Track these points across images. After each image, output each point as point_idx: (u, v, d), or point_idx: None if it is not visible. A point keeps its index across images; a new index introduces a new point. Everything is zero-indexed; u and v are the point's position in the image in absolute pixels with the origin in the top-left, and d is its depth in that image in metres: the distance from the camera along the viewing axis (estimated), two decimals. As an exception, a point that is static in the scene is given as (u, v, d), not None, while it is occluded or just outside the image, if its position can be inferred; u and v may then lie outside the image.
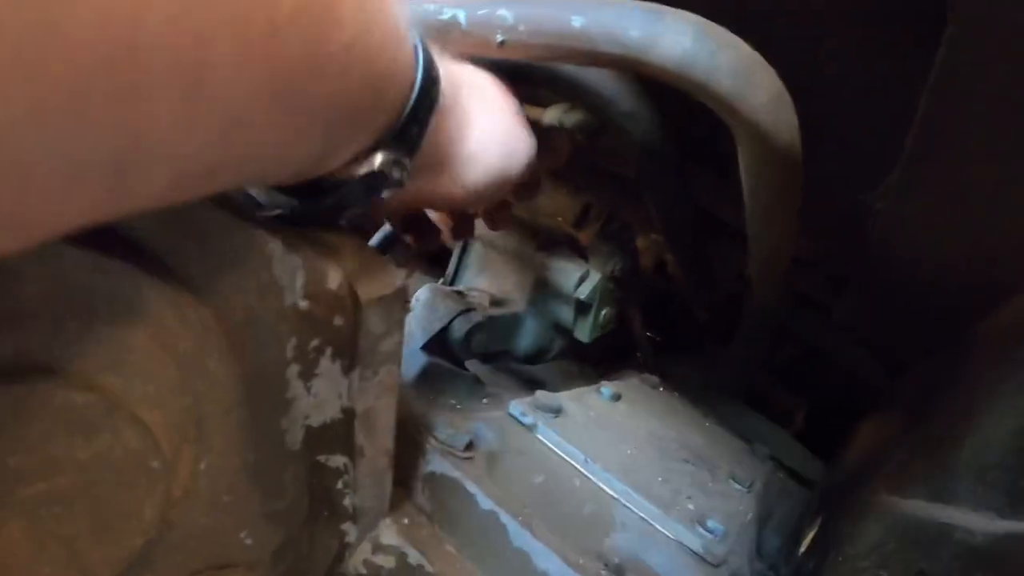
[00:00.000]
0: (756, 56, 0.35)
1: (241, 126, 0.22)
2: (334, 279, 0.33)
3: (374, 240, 0.84)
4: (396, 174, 0.32)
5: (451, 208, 0.46)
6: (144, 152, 0.19)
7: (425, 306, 0.67)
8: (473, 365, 0.74)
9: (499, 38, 0.41)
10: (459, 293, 0.72)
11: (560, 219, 0.82)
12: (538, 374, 0.88)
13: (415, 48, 0.30)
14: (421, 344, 0.64)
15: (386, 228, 0.81)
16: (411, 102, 0.31)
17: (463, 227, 0.54)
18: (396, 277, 0.34)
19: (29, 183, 0.16)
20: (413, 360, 0.63)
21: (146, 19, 0.16)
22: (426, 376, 0.63)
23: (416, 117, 0.31)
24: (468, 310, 0.67)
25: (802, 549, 0.71)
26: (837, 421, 0.90)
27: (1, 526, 0.25)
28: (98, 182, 0.18)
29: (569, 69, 0.47)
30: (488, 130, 0.40)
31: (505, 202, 0.55)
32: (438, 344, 0.66)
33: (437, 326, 0.65)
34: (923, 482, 0.48)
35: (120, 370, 0.27)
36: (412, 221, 0.53)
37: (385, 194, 0.33)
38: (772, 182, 0.41)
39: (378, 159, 0.31)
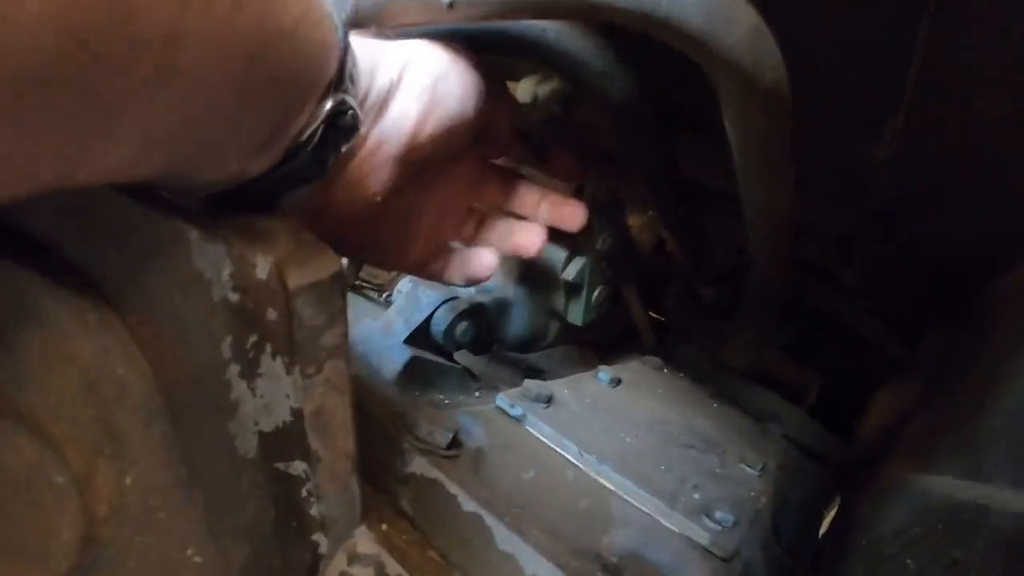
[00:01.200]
0: (726, -14, 0.31)
1: (208, 98, 0.23)
2: (263, 267, 0.29)
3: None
4: (349, 119, 0.33)
5: (423, 149, 0.42)
6: (111, 121, 0.20)
7: (407, 297, 0.64)
8: (463, 357, 0.70)
9: (446, 0, 0.37)
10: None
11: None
12: (536, 362, 0.84)
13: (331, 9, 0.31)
14: (404, 338, 0.61)
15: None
16: (342, 53, 0.32)
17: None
18: (331, 262, 0.31)
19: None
20: (396, 355, 0.60)
21: None
22: (410, 371, 0.59)
23: (344, 67, 0.32)
24: (452, 299, 0.63)
25: (822, 531, 0.68)
26: (854, 395, 0.86)
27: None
28: (63, 145, 0.19)
29: (535, 33, 0.43)
30: (419, 60, 0.40)
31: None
32: (422, 337, 0.62)
33: (419, 317, 0.62)
34: (951, 458, 0.44)
35: (13, 379, 0.24)
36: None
37: (345, 148, 0.34)
38: (759, 129, 0.37)
39: (327, 105, 0.32)
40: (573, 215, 0.53)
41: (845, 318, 0.81)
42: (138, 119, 0.20)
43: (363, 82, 0.36)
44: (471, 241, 0.53)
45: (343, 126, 0.33)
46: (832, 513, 0.72)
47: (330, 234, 0.34)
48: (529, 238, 0.52)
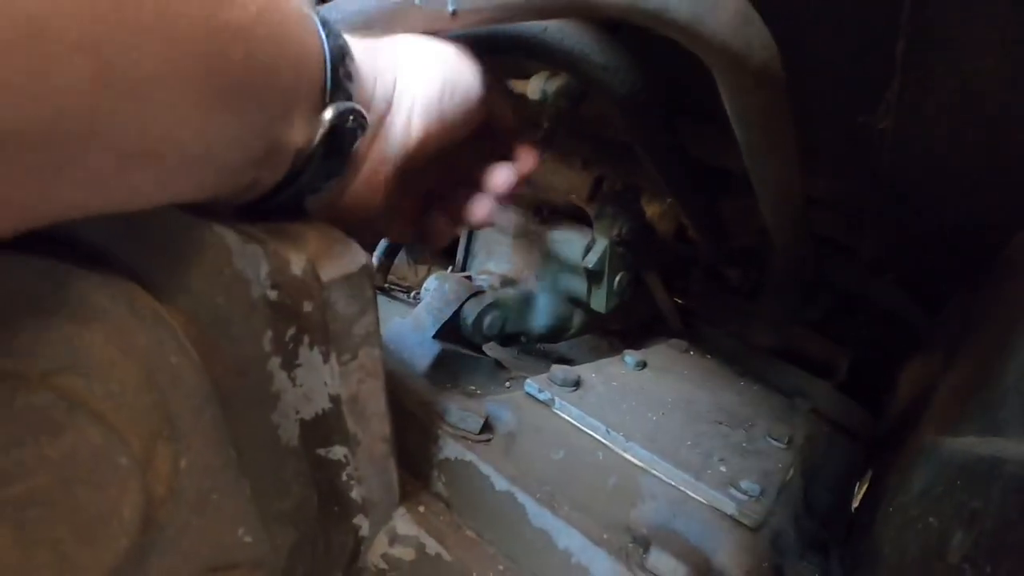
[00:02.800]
0: (710, -26, 0.33)
1: (152, 101, 0.23)
2: (297, 264, 0.32)
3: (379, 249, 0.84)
4: (352, 122, 0.33)
5: (429, 149, 0.44)
6: (62, 127, 0.20)
7: (435, 294, 0.66)
8: (492, 349, 0.72)
9: (450, 7, 0.40)
10: (468, 278, 0.70)
11: (574, 196, 0.80)
12: (564, 352, 0.86)
13: (307, 11, 0.32)
14: (433, 333, 0.63)
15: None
16: (327, 55, 0.32)
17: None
18: (359, 256, 0.33)
19: None
20: (426, 350, 0.62)
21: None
22: (441, 364, 0.61)
23: (339, 68, 0.33)
24: (478, 293, 0.66)
25: (855, 504, 0.68)
26: (884, 369, 0.86)
27: (-11, 530, 0.25)
28: (22, 158, 0.20)
29: (536, 32, 0.45)
30: (417, 59, 0.40)
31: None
32: (451, 331, 0.64)
33: (447, 312, 0.64)
34: (971, 418, 0.45)
35: (78, 369, 0.27)
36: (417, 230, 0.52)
37: (353, 148, 0.35)
38: (756, 108, 0.39)
39: (328, 114, 0.32)
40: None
41: (869, 291, 0.81)
42: (94, 123, 0.21)
43: (366, 83, 0.36)
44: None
45: (348, 132, 0.34)
46: (865, 486, 0.73)
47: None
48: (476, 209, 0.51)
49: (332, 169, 0.35)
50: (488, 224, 0.51)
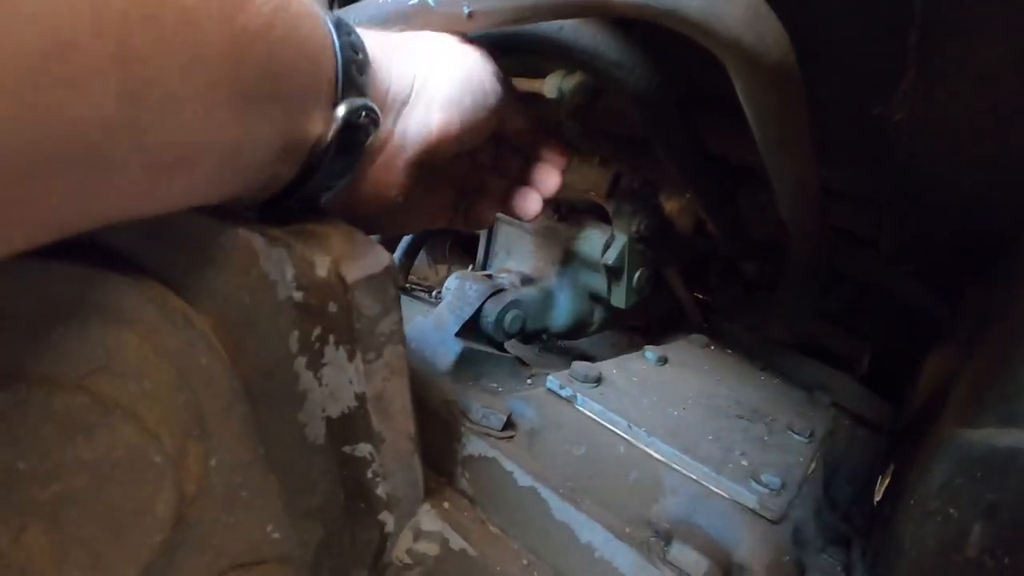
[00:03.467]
0: (723, -28, 0.33)
1: (183, 110, 0.23)
2: (322, 266, 0.33)
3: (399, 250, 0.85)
4: (364, 117, 0.34)
5: (448, 146, 0.44)
6: (99, 142, 0.20)
7: (455, 293, 0.67)
8: (514, 347, 0.73)
9: (466, 10, 0.40)
10: (488, 277, 0.71)
11: (593, 193, 0.81)
12: (586, 348, 0.87)
13: (316, 9, 0.32)
14: (455, 331, 0.64)
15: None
16: (337, 50, 0.33)
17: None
18: (382, 257, 0.34)
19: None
20: (449, 348, 0.63)
21: (71, 20, 0.18)
22: (463, 363, 0.62)
23: (350, 62, 0.33)
24: (498, 291, 0.66)
25: (877, 497, 0.68)
26: (905, 361, 0.85)
27: (23, 532, 0.26)
28: (63, 176, 0.20)
29: (551, 32, 0.46)
30: (435, 56, 0.41)
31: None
32: (473, 329, 0.65)
33: (468, 311, 0.64)
34: (990, 409, 0.44)
35: (112, 371, 0.28)
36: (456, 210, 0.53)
37: (367, 143, 0.35)
38: (771, 103, 0.39)
39: (341, 110, 0.33)
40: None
41: (888, 284, 0.81)
42: (120, 138, 0.22)
43: (381, 77, 0.37)
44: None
45: (361, 128, 0.35)
46: (887, 479, 0.73)
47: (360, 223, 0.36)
48: (529, 204, 0.54)
49: (346, 164, 0.36)
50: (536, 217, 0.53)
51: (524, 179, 0.54)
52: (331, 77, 0.33)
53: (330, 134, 0.33)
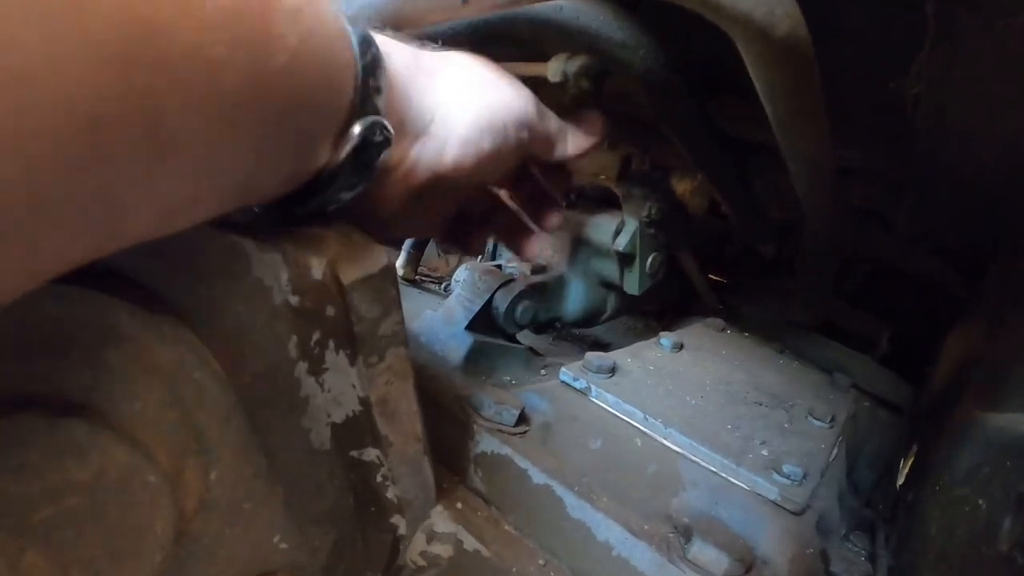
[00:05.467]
0: (731, -58, 0.31)
1: (205, 158, 0.23)
2: (317, 269, 0.31)
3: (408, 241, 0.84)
4: (379, 136, 0.33)
5: (455, 184, 0.43)
6: (122, 199, 0.20)
7: (465, 285, 0.65)
8: (526, 337, 0.72)
9: (461, -4, 0.38)
10: (498, 267, 0.70)
11: (603, 176, 0.79)
12: (600, 335, 0.85)
13: (339, 21, 0.30)
14: (465, 324, 0.63)
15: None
16: (359, 71, 0.31)
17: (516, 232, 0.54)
18: (380, 257, 0.33)
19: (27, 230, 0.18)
20: (459, 342, 0.62)
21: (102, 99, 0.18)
22: (475, 356, 0.61)
23: (369, 82, 0.32)
24: (509, 281, 0.65)
25: (900, 481, 0.66)
26: (926, 340, 0.83)
27: (21, 554, 0.26)
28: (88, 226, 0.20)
29: (551, 13, 0.44)
30: (462, 90, 0.39)
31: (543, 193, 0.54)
32: (484, 322, 0.64)
33: (479, 303, 0.63)
34: (1017, 393, 0.43)
35: (100, 391, 0.27)
36: (452, 230, 0.52)
37: (379, 161, 0.34)
38: (784, 80, 0.37)
39: (356, 129, 0.32)
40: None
41: (907, 262, 0.79)
42: (141, 194, 0.22)
43: (398, 102, 0.36)
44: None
45: (374, 146, 0.33)
46: (910, 462, 0.71)
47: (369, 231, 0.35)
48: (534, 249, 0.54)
49: (356, 181, 0.34)
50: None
51: (529, 213, 0.54)
52: (351, 99, 0.31)
53: (343, 154, 0.32)
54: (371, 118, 0.32)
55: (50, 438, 0.25)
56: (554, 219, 0.53)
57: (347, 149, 0.32)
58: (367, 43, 0.32)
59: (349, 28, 0.30)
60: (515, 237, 0.54)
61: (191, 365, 0.29)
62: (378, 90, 0.32)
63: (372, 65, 0.32)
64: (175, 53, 0.20)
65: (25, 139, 0.16)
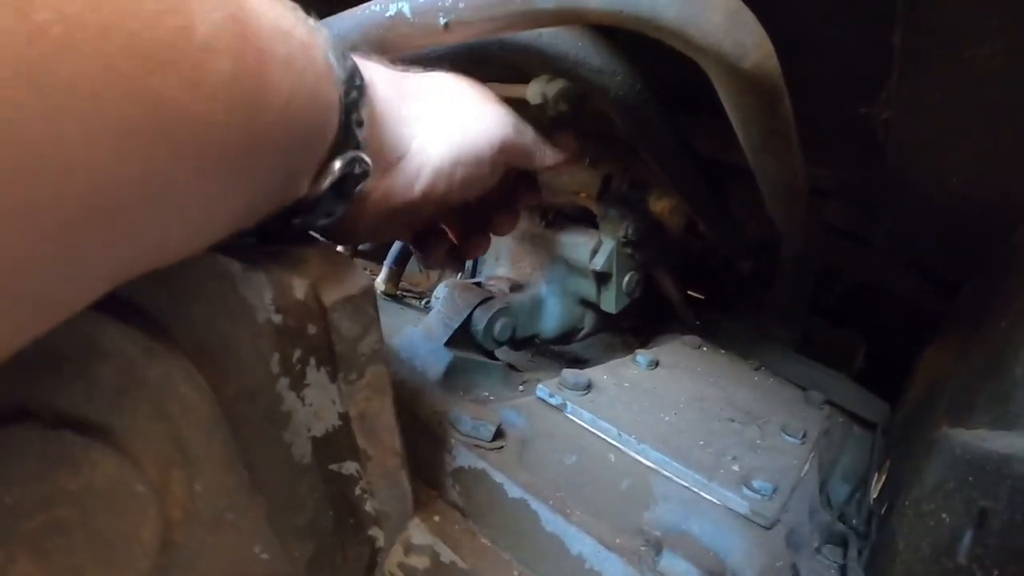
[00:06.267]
0: (700, -25, 0.33)
1: (199, 208, 0.24)
2: (300, 289, 0.32)
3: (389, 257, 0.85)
4: (358, 169, 0.34)
5: (425, 209, 0.45)
6: (117, 252, 0.22)
7: (444, 302, 0.66)
8: (505, 354, 0.73)
9: (443, 21, 0.40)
10: (478, 284, 0.71)
11: (583, 195, 0.80)
12: (578, 352, 0.87)
13: (328, 58, 0.31)
14: (444, 340, 0.64)
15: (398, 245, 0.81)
16: (343, 107, 0.32)
17: (470, 236, 0.55)
18: (360, 278, 0.34)
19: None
20: (439, 358, 0.63)
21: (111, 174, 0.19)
22: (454, 372, 0.62)
23: (352, 116, 0.33)
24: (487, 299, 0.66)
25: (873, 495, 0.68)
26: (901, 357, 0.85)
27: (11, 562, 0.26)
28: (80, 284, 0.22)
29: (529, 39, 0.46)
30: (440, 117, 0.40)
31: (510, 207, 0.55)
32: (463, 338, 0.65)
33: (458, 320, 0.64)
34: (983, 410, 0.44)
35: (92, 405, 0.28)
36: (421, 236, 0.53)
37: (356, 190, 0.35)
38: (754, 108, 0.38)
39: (337, 165, 0.33)
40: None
41: (883, 279, 0.80)
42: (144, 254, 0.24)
43: (377, 132, 0.37)
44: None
45: (353, 178, 0.34)
46: (883, 477, 0.73)
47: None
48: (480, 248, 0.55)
49: (334, 209, 0.35)
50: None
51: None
52: (335, 134, 0.32)
53: (323, 186, 0.33)
54: (351, 153, 0.33)
55: (43, 448, 0.26)
56: (507, 225, 0.54)
57: (327, 182, 0.33)
58: (352, 76, 0.33)
59: (335, 61, 0.31)
60: (467, 239, 0.55)
61: (178, 380, 0.30)
62: (360, 123, 0.34)
63: (356, 99, 0.33)
64: (179, 123, 0.20)
65: (30, 207, 0.17)
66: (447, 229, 0.54)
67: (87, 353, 0.28)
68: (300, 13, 0.28)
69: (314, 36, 0.29)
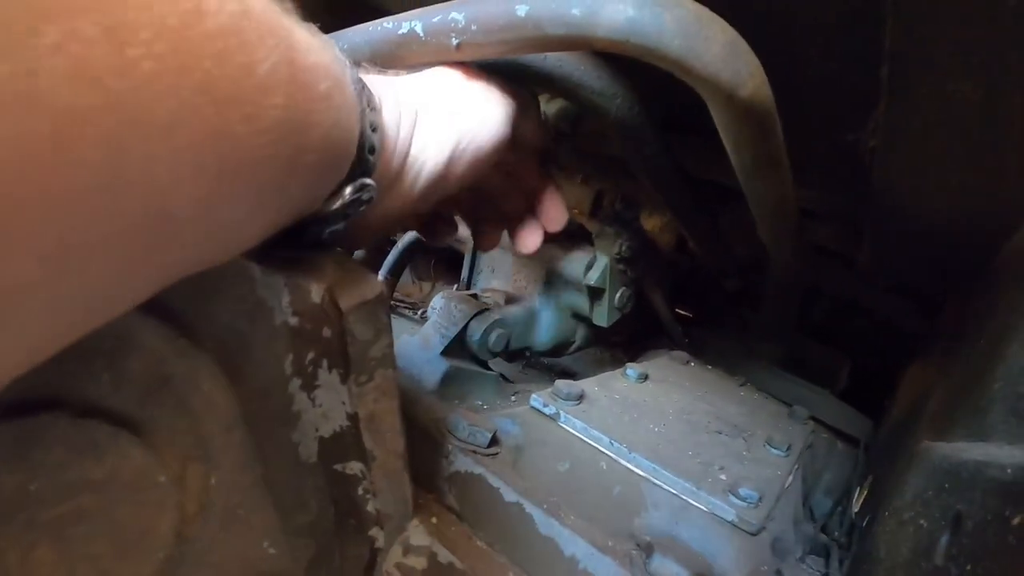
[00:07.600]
0: (702, 10, 0.35)
1: (235, 229, 0.26)
2: (317, 293, 0.34)
3: (393, 253, 0.86)
4: (366, 195, 0.36)
5: (426, 205, 0.46)
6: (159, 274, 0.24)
7: (441, 312, 0.68)
8: (498, 364, 0.74)
9: (455, 41, 0.41)
10: (473, 296, 0.72)
11: (576, 211, 0.82)
12: (568, 365, 0.88)
13: (351, 89, 0.32)
14: (440, 350, 0.65)
15: (407, 238, 0.83)
16: (358, 138, 0.34)
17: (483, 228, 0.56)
18: (374, 284, 0.35)
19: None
20: (435, 367, 0.64)
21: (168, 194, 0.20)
22: (449, 381, 0.64)
23: (366, 145, 0.35)
24: (483, 310, 0.68)
25: (855, 509, 0.70)
26: (883, 375, 0.88)
27: (32, 549, 0.27)
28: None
29: (534, 61, 0.48)
30: (439, 121, 0.42)
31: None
32: (458, 348, 0.67)
33: (454, 331, 0.66)
34: (961, 423, 0.46)
35: (120, 397, 0.29)
36: (428, 224, 0.55)
37: (362, 209, 0.36)
38: (748, 134, 0.41)
39: (348, 191, 0.35)
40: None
41: (867, 299, 0.83)
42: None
43: (388, 146, 0.38)
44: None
45: (361, 202, 0.36)
46: (865, 491, 0.75)
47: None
48: (532, 238, 0.56)
49: (339, 225, 0.37)
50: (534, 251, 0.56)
51: (530, 210, 0.56)
52: (351, 161, 0.34)
53: (333, 207, 0.34)
54: (360, 180, 0.35)
55: (71, 437, 0.27)
56: (559, 215, 0.56)
57: (337, 204, 0.34)
58: (366, 104, 0.34)
59: (354, 91, 0.33)
60: (517, 232, 0.56)
61: (202, 377, 0.31)
62: (372, 150, 0.35)
63: (372, 126, 0.35)
64: (234, 154, 0.22)
65: (96, 225, 0.18)
66: (456, 216, 0.56)
67: (118, 347, 0.29)
68: (328, 41, 0.30)
69: (342, 69, 0.31)
